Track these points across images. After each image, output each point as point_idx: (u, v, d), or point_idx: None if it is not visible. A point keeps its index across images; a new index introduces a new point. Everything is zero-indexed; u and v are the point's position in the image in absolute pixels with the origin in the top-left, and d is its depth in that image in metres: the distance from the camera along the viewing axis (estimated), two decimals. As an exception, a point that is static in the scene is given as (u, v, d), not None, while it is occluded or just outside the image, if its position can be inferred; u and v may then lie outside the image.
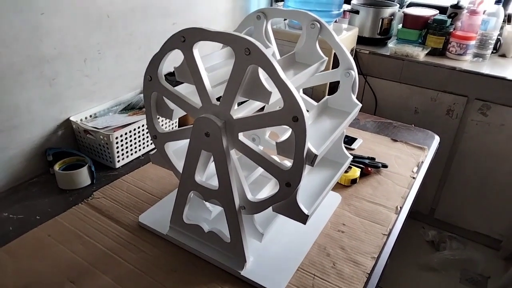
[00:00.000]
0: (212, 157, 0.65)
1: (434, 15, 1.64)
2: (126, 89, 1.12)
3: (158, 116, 0.69)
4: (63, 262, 0.71)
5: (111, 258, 0.72)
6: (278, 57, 0.81)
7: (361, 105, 0.74)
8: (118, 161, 0.98)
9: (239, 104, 0.69)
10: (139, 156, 1.04)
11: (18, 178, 0.92)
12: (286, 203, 0.62)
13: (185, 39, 0.57)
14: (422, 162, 1.07)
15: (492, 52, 1.60)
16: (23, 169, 0.93)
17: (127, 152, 0.99)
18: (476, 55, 1.58)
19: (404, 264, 1.66)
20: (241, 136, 0.61)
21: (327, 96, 0.74)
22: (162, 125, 1.07)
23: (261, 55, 0.51)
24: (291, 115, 0.52)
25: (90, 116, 1.02)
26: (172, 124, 1.11)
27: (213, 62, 0.72)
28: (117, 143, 0.95)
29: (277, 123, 0.55)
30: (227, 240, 0.69)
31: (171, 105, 0.66)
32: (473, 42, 1.55)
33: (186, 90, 0.67)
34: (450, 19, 1.59)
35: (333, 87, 1.48)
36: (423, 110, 1.62)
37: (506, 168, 1.54)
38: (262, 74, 0.55)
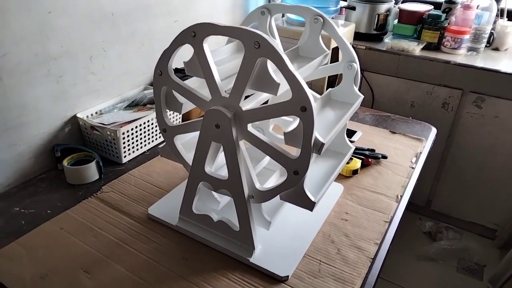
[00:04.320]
0: (220, 148, 0.68)
1: (429, 10, 1.67)
2: (130, 86, 1.14)
3: (167, 110, 0.71)
4: (76, 253, 0.73)
5: (123, 248, 0.74)
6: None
7: (363, 96, 0.77)
8: (125, 156, 1.00)
9: (245, 97, 0.71)
10: (145, 151, 1.06)
11: (27, 174, 0.94)
12: (293, 191, 0.64)
13: (196, 34, 0.59)
14: (420, 152, 1.10)
15: (485, 46, 1.63)
16: (32, 165, 0.94)
17: (133, 147, 1.01)
18: (470, 49, 1.62)
19: (402, 255, 1.70)
20: (250, 127, 0.63)
21: (330, 89, 0.77)
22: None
23: (270, 48, 0.54)
24: (300, 105, 0.55)
25: (96, 113, 1.04)
26: (176, 119, 1.13)
27: (220, 57, 0.74)
28: (123, 138, 0.97)
29: (286, 113, 0.57)
30: (236, 229, 0.71)
31: (181, 98, 0.69)
32: (467, 36, 1.59)
33: (193, 84, 0.69)
34: (445, 14, 1.63)
35: (331, 82, 1.51)
36: (419, 103, 1.65)
37: (501, 159, 1.58)
38: (270, 67, 0.57)
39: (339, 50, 0.78)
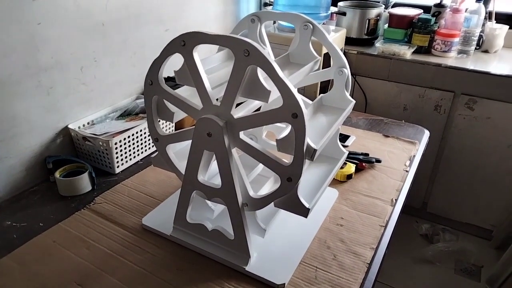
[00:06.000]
0: (213, 156, 0.68)
1: (419, 14, 1.69)
2: (122, 96, 1.13)
3: (158, 119, 0.71)
4: (69, 266, 0.72)
5: (117, 260, 0.74)
6: (273, 58, 0.83)
7: (354, 101, 0.77)
8: (118, 166, 0.99)
9: (237, 105, 0.71)
10: (138, 161, 1.05)
11: (19, 187, 0.93)
12: (287, 197, 0.64)
13: (185, 43, 0.59)
14: (414, 155, 1.10)
15: (475, 48, 1.65)
16: (24, 178, 0.93)
17: (126, 157, 1.01)
18: (460, 52, 1.63)
19: (399, 258, 1.70)
20: (242, 135, 0.63)
21: (321, 95, 0.77)
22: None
23: (259, 56, 0.54)
24: (291, 112, 0.55)
25: (88, 123, 1.03)
26: (169, 128, 1.13)
27: (211, 65, 0.74)
28: (116, 148, 0.96)
29: (277, 120, 0.57)
30: (231, 237, 0.71)
31: (172, 108, 0.68)
32: (457, 39, 1.60)
33: (185, 93, 0.69)
34: (434, 18, 1.64)
35: (324, 87, 1.52)
36: (412, 107, 1.66)
37: (494, 160, 1.59)
38: (261, 74, 0.57)
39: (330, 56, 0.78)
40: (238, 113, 0.63)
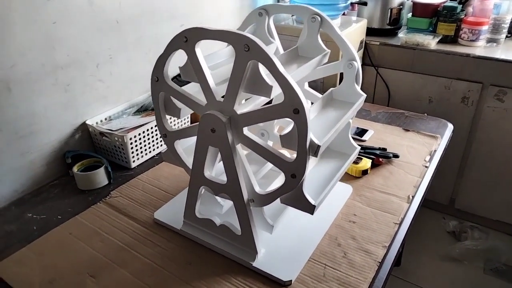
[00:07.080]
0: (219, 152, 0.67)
1: (444, 2, 1.61)
2: (138, 92, 1.15)
3: (166, 115, 0.72)
4: (83, 258, 0.74)
5: (129, 253, 0.75)
6: (282, 52, 0.82)
7: (365, 95, 0.74)
8: (133, 161, 1.01)
9: (246, 100, 0.71)
10: (154, 156, 1.07)
11: (40, 181, 0.96)
12: (293, 194, 0.63)
13: (187, 39, 0.59)
14: (435, 150, 1.06)
15: (506, 36, 1.56)
16: (44, 172, 0.97)
17: (141, 152, 1.02)
18: (489, 40, 1.55)
19: (425, 256, 1.64)
20: (246, 131, 0.62)
21: (331, 88, 0.75)
22: (175, 124, 1.10)
23: (259, 50, 0.53)
24: (292, 108, 0.54)
25: (105, 119, 1.06)
26: (184, 122, 1.14)
27: (217, 60, 0.74)
28: (131, 143, 0.98)
29: (279, 116, 0.56)
30: (238, 233, 0.71)
31: (178, 104, 0.69)
32: (485, 27, 1.52)
33: (193, 89, 0.69)
34: (461, 5, 1.57)
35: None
36: (437, 99, 1.60)
37: (526, 154, 1.51)
38: (263, 69, 0.56)
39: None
40: (243, 108, 0.62)
